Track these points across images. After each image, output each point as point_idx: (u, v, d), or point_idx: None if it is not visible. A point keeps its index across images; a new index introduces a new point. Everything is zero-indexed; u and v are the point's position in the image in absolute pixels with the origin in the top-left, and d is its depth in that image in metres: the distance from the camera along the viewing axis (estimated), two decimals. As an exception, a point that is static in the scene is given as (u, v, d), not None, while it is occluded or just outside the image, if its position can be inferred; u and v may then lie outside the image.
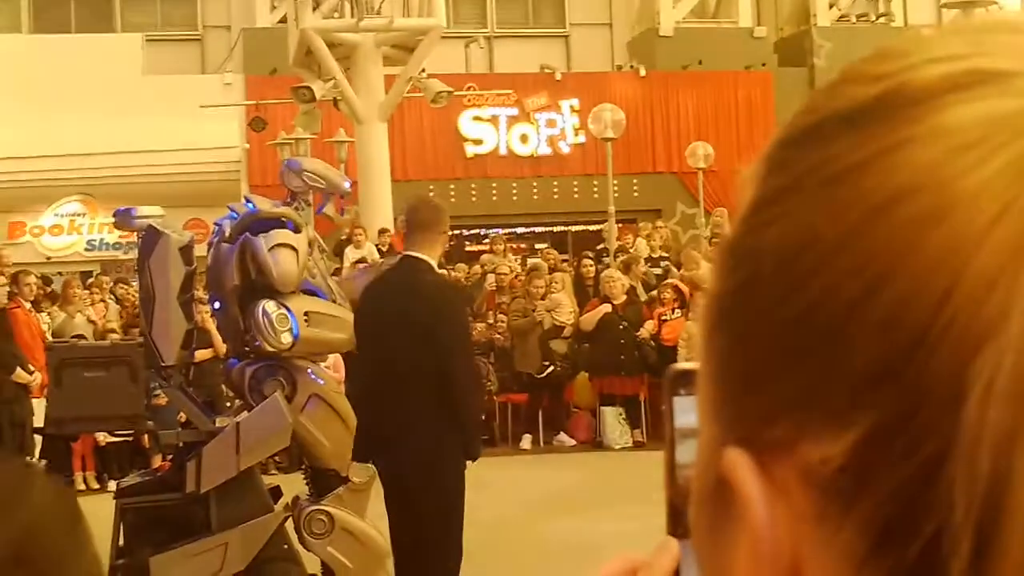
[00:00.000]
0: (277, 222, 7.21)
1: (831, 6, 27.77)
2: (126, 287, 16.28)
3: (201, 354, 11.70)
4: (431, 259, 6.95)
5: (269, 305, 7.02)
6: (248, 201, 7.55)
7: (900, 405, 0.38)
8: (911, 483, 0.38)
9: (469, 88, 24.47)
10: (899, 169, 0.40)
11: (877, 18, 27.98)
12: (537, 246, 24.18)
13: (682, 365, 0.69)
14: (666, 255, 17.49)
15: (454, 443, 6.84)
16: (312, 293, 7.37)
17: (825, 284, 0.41)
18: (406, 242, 7.12)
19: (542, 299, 14.93)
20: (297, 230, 7.20)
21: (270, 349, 7.05)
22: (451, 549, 6.87)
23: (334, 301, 7.50)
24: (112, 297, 15.63)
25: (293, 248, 7.09)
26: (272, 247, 7.05)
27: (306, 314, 7.13)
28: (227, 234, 7.31)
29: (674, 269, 16.14)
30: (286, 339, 7.04)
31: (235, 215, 7.39)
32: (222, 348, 11.81)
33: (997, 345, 0.37)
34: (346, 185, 7.79)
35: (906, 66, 0.42)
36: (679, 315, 13.89)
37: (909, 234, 0.39)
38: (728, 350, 0.46)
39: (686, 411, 0.67)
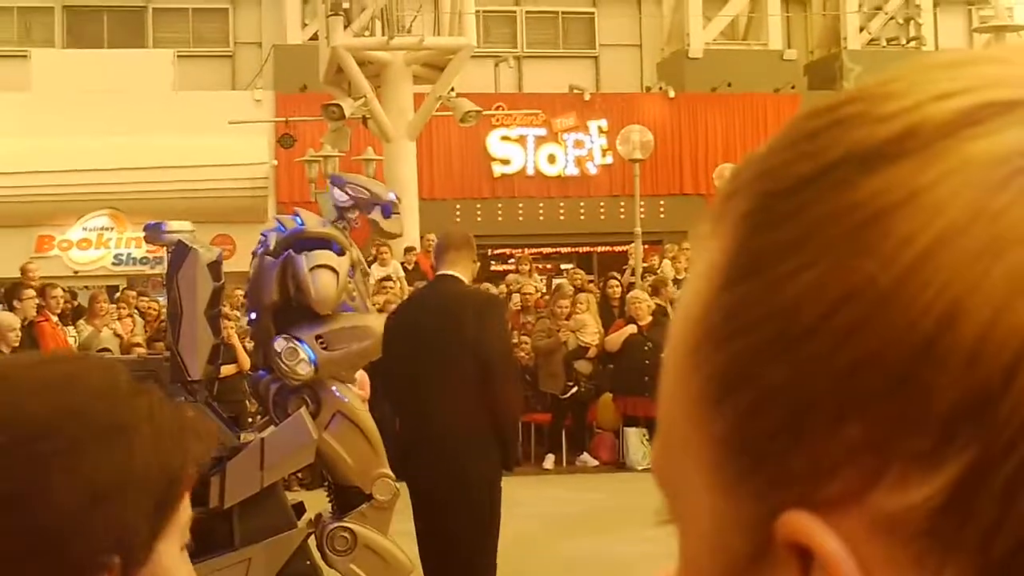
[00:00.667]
0: (322, 241, 7.20)
1: (862, 29, 27.72)
2: (148, 299, 16.36)
3: (226, 369, 11.72)
4: (465, 279, 6.94)
5: (278, 343, 7.02)
6: (297, 216, 7.53)
7: (999, 435, 0.38)
8: (1016, 512, 0.38)
9: (498, 108, 24.51)
10: (944, 207, 0.40)
11: (908, 42, 27.88)
12: (563, 266, 24.16)
13: None
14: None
15: (493, 457, 6.80)
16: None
17: (888, 328, 0.40)
18: (438, 265, 7.07)
19: (567, 319, 14.93)
20: (341, 252, 7.18)
21: (295, 383, 7.09)
22: (488, 566, 6.84)
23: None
24: (136, 311, 15.69)
25: (334, 270, 7.08)
26: (313, 267, 7.04)
27: (319, 337, 7.11)
28: (271, 247, 7.31)
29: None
30: (303, 369, 7.05)
31: (283, 228, 7.38)
32: (247, 363, 11.84)
33: None
34: (391, 196, 7.74)
35: (914, 104, 0.42)
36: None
37: (974, 269, 0.39)
38: (748, 418, 0.44)
39: None
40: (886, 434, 0.40)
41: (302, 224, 7.27)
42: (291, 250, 7.10)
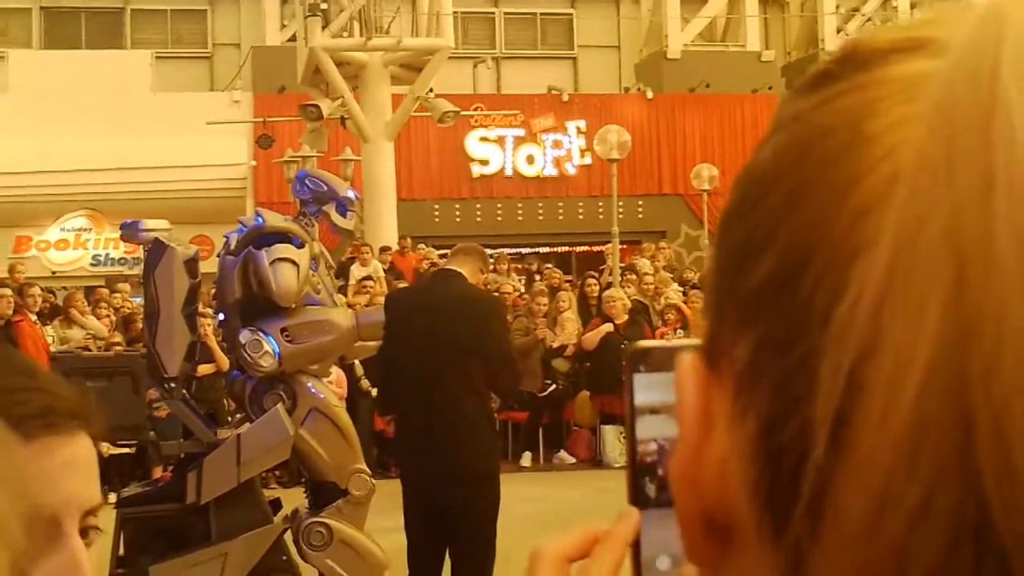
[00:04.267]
0: (282, 236, 7.24)
1: (839, 31, 27.80)
2: (119, 295, 16.38)
3: (203, 368, 11.74)
4: (468, 278, 6.90)
5: (243, 334, 7.05)
6: (258, 215, 7.58)
7: (788, 316, 0.45)
8: (789, 380, 0.44)
9: (476, 108, 24.54)
10: (827, 114, 0.46)
11: (884, 44, 27.91)
12: (544, 266, 24.23)
13: (643, 343, 0.74)
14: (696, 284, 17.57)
15: (493, 453, 6.79)
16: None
17: (760, 215, 0.48)
18: (449, 261, 7.08)
19: (543, 317, 14.98)
20: (301, 245, 7.23)
21: (258, 373, 7.10)
22: (488, 558, 6.82)
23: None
24: (112, 310, 15.69)
25: (294, 263, 7.12)
26: (273, 261, 7.08)
27: (284, 330, 7.14)
28: (232, 246, 7.36)
29: (674, 291, 16.22)
30: (266, 362, 7.07)
31: (244, 228, 7.43)
32: (225, 363, 11.85)
33: (867, 264, 0.42)
34: (349, 193, 7.78)
35: (870, 36, 0.49)
36: (681, 335, 13.91)
37: (819, 168, 0.45)
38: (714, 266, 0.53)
39: (646, 388, 0.72)
40: (739, 296, 0.48)
41: (262, 222, 7.32)
42: (251, 247, 7.14)
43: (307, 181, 7.56)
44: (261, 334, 7.04)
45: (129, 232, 7.54)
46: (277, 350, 7.06)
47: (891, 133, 0.44)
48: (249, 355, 7.03)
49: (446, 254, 7.40)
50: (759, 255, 0.47)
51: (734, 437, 0.47)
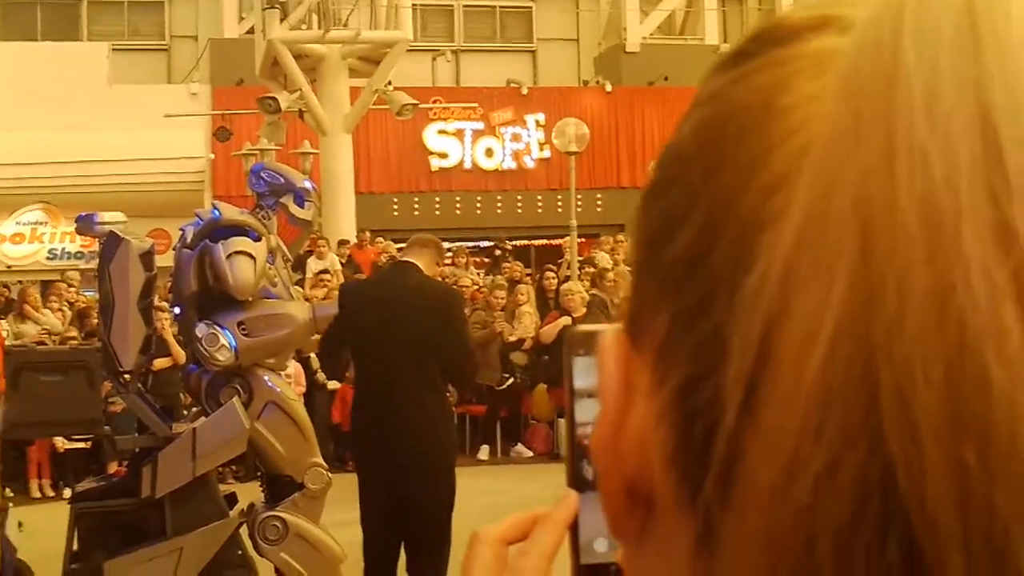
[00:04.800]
0: (239, 229, 7.22)
1: (796, 25, 27.86)
2: (71, 287, 16.32)
3: (160, 363, 11.69)
4: (420, 266, 6.89)
5: (199, 328, 7.04)
6: (214, 208, 7.56)
7: (702, 288, 0.46)
8: (703, 349, 0.45)
9: (435, 101, 24.52)
10: (743, 90, 0.48)
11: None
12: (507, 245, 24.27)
13: (582, 327, 0.75)
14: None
15: (450, 444, 6.76)
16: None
17: (678, 190, 0.49)
18: (404, 253, 7.03)
19: (501, 310, 15.00)
20: (258, 238, 7.21)
21: (215, 368, 7.09)
22: (445, 554, 6.82)
23: (292, 308, 7.52)
24: (67, 304, 15.62)
25: (251, 256, 7.11)
26: (230, 254, 7.07)
27: (240, 323, 7.13)
28: (188, 240, 7.34)
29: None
30: (223, 355, 7.05)
31: (200, 222, 7.41)
32: (181, 356, 11.80)
33: (776, 234, 0.43)
34: (306, 183, 7.79)
35: (786, 15, 0.50)
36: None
37: (734, 143, 0.46)
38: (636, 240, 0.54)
39: (584, 372, 0.73)
40: (653, 273, 0.50)
41: (219, 215, 7.30)
42: (207, 240, 7.12)
43: (263, 174, 7.56)
44: (217, 328, 7.03)
45: (84, 225, 7.50)
46: (234, 344, 7.04)
47: (802, 107, 0.45)
48: (205, 349, 7.01)
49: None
50: (676, 230, 0.48)
51: (652, 406, 0.49)
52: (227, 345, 7.01)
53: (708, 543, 0.46)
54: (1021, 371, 0.39)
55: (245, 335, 7.07)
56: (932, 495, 0.39)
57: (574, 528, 0.75)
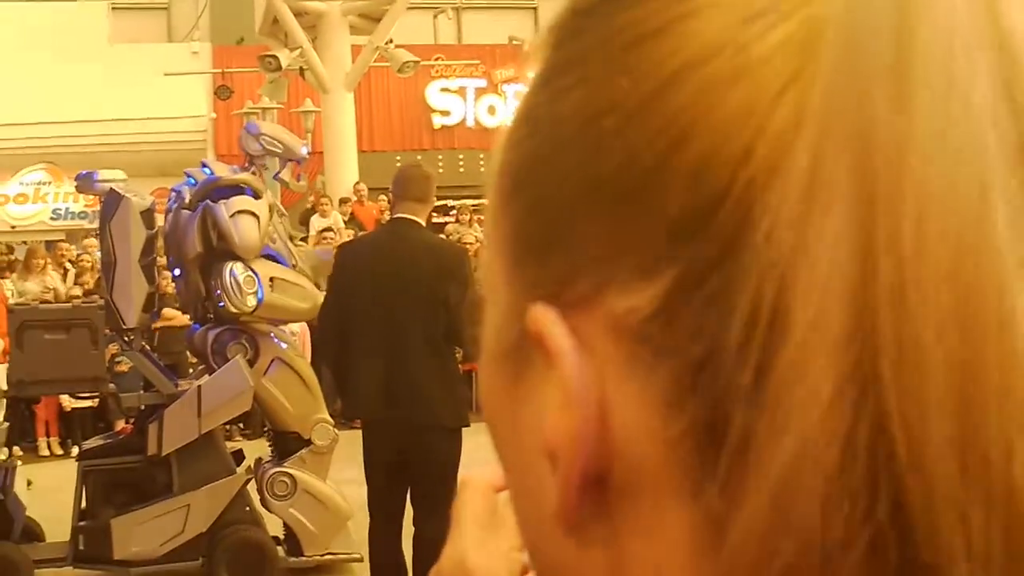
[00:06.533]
0: (237, 188, 7.22)
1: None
2: (69, 246, 16.33)
3: (171, 313, 11.74)
4: (422, 223, 6.73)
5: (237, 267, 7.04)
6: (206, 167, 7.56)
7: (707, 252, 0.40)
8: (713, 323, 0.40)
9: (437, 59, 24.43)
10: (696, 34, 0.42)
11: None
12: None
13: None
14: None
15: (457, 405, 6.66)
16: (272, 258, 7.39)
17: (630, 143, 0.43)
18: (396, 208, 6.80)
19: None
20: (257, 196, 7.21)
21: (233, 311, 7.07)
22: (451, 504, 6.74)
23: (294, 266, 7.53)
24: (70, 263, 15.64)
25: (254, 214, 7.11)
26: (233, 214, 7.06)
27: (271, 279, 7.16)
28: (187, 200, 7.32)
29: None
30: (251, 301, 7.07)
31: (193, 181, 7.40)
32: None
33: (782, 184, 0.39)
34: (303, 151, 7.80)
35: None
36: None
37: (709, 94, 0.41)
38: (525, 217, 0.47)
39: None
40: (621, 242, 0.43)
41: (213, 175, 7.29)
42: (208, 200, 7.11)
43: (262, 140, 7.56)
44: (253, 273, 7.05)
45: (84, 183, 7.49)
46: (262, 295, 7.08)
47: (783, 58, 0.41)
48: (239, 289, 7.02)
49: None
50: (646, 192, 0.43)
51: (638, 388, 0.43)
52: (256, 292, 7.04)
53: (715, 531, 0.41)
54: None
55: (271, 291, 7.11)
56: (931, 450, 0.37)
57: None
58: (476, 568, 0.82)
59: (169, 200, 7.60)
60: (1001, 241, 0.37)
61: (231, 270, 7.03)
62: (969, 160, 0.37)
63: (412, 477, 6.46)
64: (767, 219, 0.39)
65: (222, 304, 7.06)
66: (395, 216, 6.66)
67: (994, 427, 0.37)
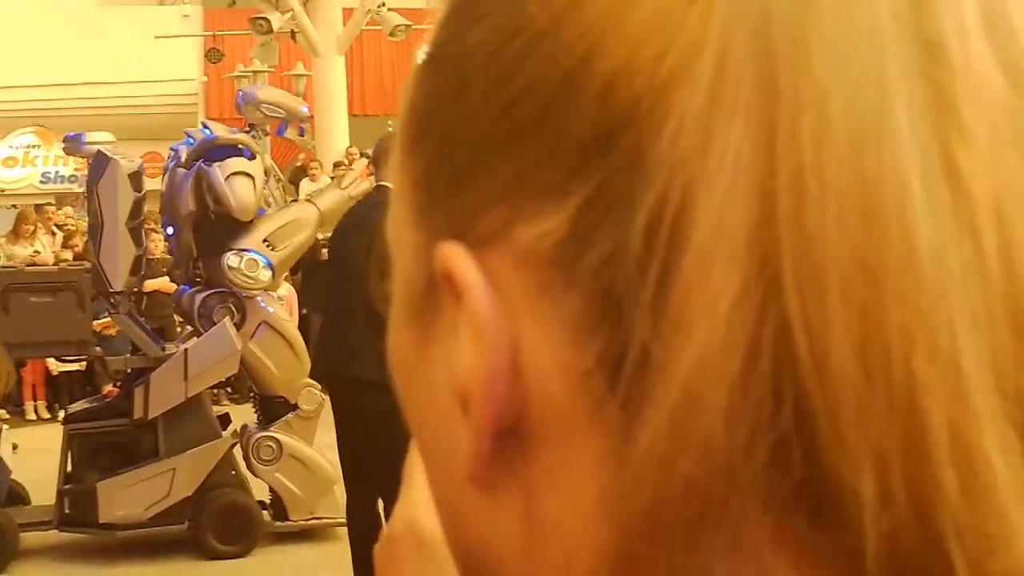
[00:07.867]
0: (233, 149, 7.18)
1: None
2: (56, 210, 16.33)
3: (157, 283, 11.69)
4: None
5: (231, 260, 7.03)
6: (205, 127, 7.53)
7: (618, 164, 0.39)
8: (620, 238, 0.39)
9: (429, 23, 24.30)
10: None
11: None
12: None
13: None
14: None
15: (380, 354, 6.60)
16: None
17: (538, 65, 0.41)
18: (379, 174, 6.77)
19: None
20: (252, 157, 7.18)
21: (257, 289, 7.14)
22: (397, 460, 6.71)
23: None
24: (56, 227, 15.64)
25: (250, 176, 7.08)
26: (228, 176, 7.03)
27: (264, 240, 7.14)
28: (183, 159, 7.30)
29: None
30: (265, 275, 7.10)
31: (192, 141, 7.37)
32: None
33: (690, 84, 0.38)
34: (304, 110, 7.79)
35: None
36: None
37: (617, 11, 0.39)
38: (432, 160, 0.46)
39: None
40: (529, 169, 0.41)
41: (211, 135, 7.27)
42: (201, 161, 7.08)
43: (263, 107, 7.54)
44: (247, 253, 7.06)
45: (72, 145, 7.46)
46: (267, 261, 7.09)
47: None
48: (248, 275, 7.04)
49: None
50: (553, 114, 0.41)
51: (555, 323, 0.41)
52: (264, 265, 7.04)
53: (622, 450, 0.39)
54: (947, 225, 0.36)
55: (271, 250, 7.11)
56: (833, 345, 0.35)
57: None
58: (428, 526, 0.80)
59: (168, 160, 7.59)
60: (901, 127, 0.36)
61: (228, 265, 7.04)
62: (869, 47, 0.37)
63: (360, 435, 6.41)
64: (673, 121, 0.38)
65: (245, 295, 7.12)
66: (379, 184, 6.61)
67: (895, 323, 0.35)
